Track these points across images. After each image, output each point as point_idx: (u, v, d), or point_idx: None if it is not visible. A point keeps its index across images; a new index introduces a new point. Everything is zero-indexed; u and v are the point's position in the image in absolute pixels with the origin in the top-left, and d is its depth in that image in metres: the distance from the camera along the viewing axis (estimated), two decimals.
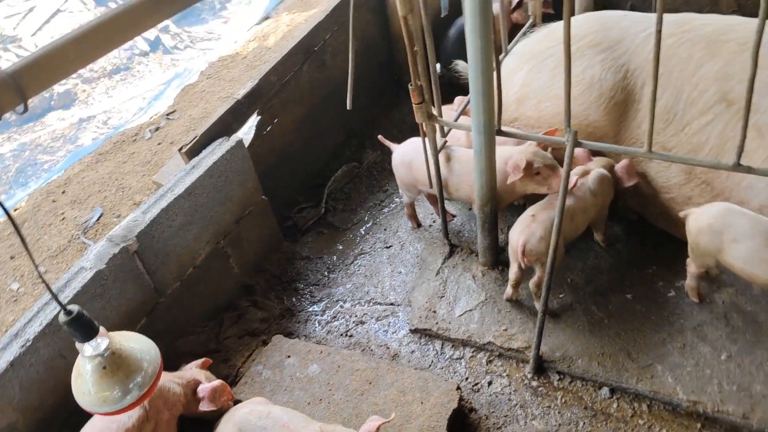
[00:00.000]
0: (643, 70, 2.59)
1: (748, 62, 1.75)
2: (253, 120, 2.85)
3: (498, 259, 2.70)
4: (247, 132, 2.87)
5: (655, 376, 2.22)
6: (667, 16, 2.68)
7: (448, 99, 2.95)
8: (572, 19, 2.89)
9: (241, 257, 2.81)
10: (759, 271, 2.09)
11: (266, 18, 5.21)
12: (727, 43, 2.45)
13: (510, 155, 2.48)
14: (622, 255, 2.68)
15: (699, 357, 2.24)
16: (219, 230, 2.67)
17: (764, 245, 2.07)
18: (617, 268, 2.62)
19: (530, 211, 2.44)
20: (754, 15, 1.76)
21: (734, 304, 2.39)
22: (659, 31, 1.82)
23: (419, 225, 3.02)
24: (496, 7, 3.18)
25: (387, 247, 2.96)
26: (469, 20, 1.98)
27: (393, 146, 2.82)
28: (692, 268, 2.34)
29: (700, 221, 2.21)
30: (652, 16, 2.72)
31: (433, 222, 3.03)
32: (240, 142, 2.65)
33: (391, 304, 2.69)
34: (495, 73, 2.25)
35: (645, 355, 2.28)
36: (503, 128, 2.33)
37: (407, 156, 2.73)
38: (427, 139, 2.51)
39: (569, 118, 2.16)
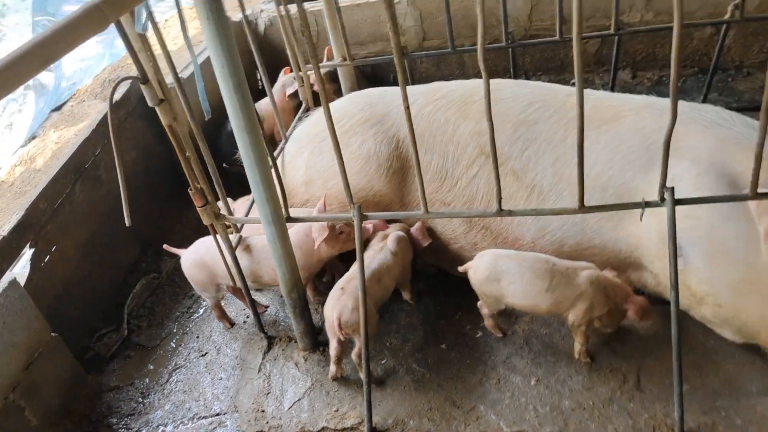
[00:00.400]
0: None
1: (493, 119, 2.01)
2: (27, 254, 2.62)
3: (317, 340, 2.71)
4: (22, 267, 2.62)
5: (480, 417, 2.34)
6: (420, 87, 2.99)
7: (244, 191, 2.96)
8: (339, 100, 3.12)
9: (39, 406, 2.51)
10: (538, 302, 2.34)
11: (32, 138, 4.85)
12: (474, 104, 2.77)
13: (309, 226, 2.58)
14: (430, 308, 2.83)
15: (513, 388, 2.41)
16: (6, 383, 2.37)
17: (534, 277, 2.32)
18: (428, 321, 2.76)
19: (339, 284, 2.50)
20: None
21: (531, 330, 2.63)
22: (407, 108, 2.00)
23: (232, 324, 2.94)
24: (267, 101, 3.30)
25: (203, 355, 2.83)
26: (233, 119, 2.03)
27: (180, 251, 2.76)
28: (485, 310, 2.54)
29: (479, 273, 2.43)
30: (410, 89, 3.00)
31: (247, 318, 2.97)
32: (14, 282, 2.41)
33: (217, 414, 2.56)
34: (275, 163, 2.32)
35: (468, 399, 2.41)
36: (292, 214, 2.39)
37: (198, 256, 2.68)
38: (221, 239, 2.49)
39: (350, 195, 2.28)
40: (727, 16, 3.26)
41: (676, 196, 2.03)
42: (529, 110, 2.67)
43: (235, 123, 2.02)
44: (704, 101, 3.72)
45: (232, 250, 2.50)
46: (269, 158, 2.20)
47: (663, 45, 4.18)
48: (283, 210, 2.32)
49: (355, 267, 2.56)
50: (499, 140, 2.67)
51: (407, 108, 2.02)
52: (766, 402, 2.20)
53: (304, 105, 3.48)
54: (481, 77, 2.00)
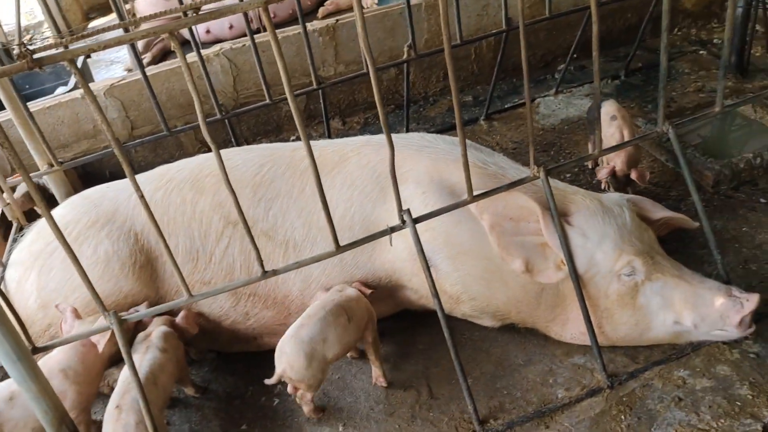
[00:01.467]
0: (149, 228, 2.68)
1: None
2: None
3: None
4: None
5: None
6: (144, 175, 2.88)
7: None
8: (57, 209, 2.86)
9: None
10: (348, 339, 2.37)
11: None
12: (206, 178, 2.76)
13: (76, 347, 2.35)
14: (220, 394, 2.70)
15: None
16: None
17: (335, 318, 2.35)
18: (222, 408, 2.63)
19: (112, 403, 2.24)
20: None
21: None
22: (142, 196, 1.93)
23: None
24: None
25: None
26: None
27: None
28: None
29: (298, 364, 2.27)
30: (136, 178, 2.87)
31: None
32: None
33: None
34: (2, 293, 2.04)
35: None
36: (40, 343, 2.11)
37: None
38: None
39: (102, 303, 2.10)
40: (404, 56, 3.74)
41: (412, 216, 2.25)
42: (263, 171, 2.74)
43: None
44: (407, 132, 4.19)
45: None
46: None
47: (360, 91, 4.61)
48: (25, 342, 2.03)
49: (121, 382, 2.33)
50: (243, 206, 2.69)
51: (142, 197, 1.94)
52: (533, 369, 2.53)
53: (15, 225, 3.12)
54: (200, 153, 2.01)
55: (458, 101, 2.07)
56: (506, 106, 4.45)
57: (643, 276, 2.33)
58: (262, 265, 2.16)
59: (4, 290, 2.64)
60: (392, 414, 2.46)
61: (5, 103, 2.98)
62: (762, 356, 2.35)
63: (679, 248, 2.78)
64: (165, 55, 6.48)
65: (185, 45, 5.47)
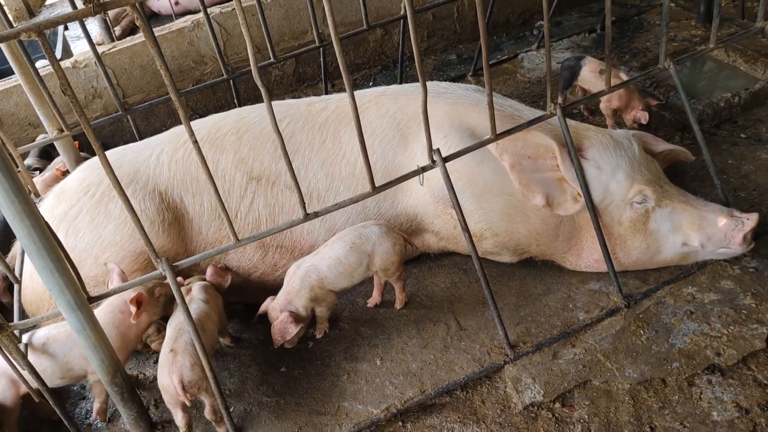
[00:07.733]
0: (173, 187, 2.75)
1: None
2: None
3: (152, 421, 2.49)
4: None
5: (348, 413, 2.42)
6: (158, 137, 2.95)
7: None
8: (74, 174, 2.89)
9: None
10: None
11: None
12: (225, 137, 2.84)
13: (121, 302, 2.40)
14: (253, 342, 2.79)
15: (364, 375, 2.54)
16: None
17: (348, 252, 2.55)
18: (258, 354, 2.73)
19: (166, 348, 2.33)
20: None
21: (354, 319, 2.78)
22: (195, 141, 2.01)
23: None
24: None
25: None
26: (6, 206, 1.78)
27: None
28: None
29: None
30: (149, 141, 2.92)
31: None
32: None
33: None
34: (60, 244, 2.09)
35: (329, 403, 2.46)
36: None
37: None
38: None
39: (154, 250, 2.17)
40: (402, 12, 3.83)
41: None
42: (281, 126, 2.79)
43: (10, 209, 1.78)
44: None
45: (26, 360, 2.17)
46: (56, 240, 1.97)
47: (347, 53, 4.68)
48: (83, 292, 2.10)
49: (172, 328, 2.41)
50: (265, 161, 2.79)
51: (195, 142, 2.02)
52: (553, 297, 2.71)
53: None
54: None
55: (486, 38, 2.18)
56: (491, 62, 4.58)
57: (653, 203, 2.52)
58: (304, 208, 2.26)
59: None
60: (426, 346, 2.61)
61: (15, 68, 2.97)
62: (760, 269, 2.59)
63: (674, 182, 2.98)
64: (134, 29, 6.37)
65: (151, 18, 5.46)
